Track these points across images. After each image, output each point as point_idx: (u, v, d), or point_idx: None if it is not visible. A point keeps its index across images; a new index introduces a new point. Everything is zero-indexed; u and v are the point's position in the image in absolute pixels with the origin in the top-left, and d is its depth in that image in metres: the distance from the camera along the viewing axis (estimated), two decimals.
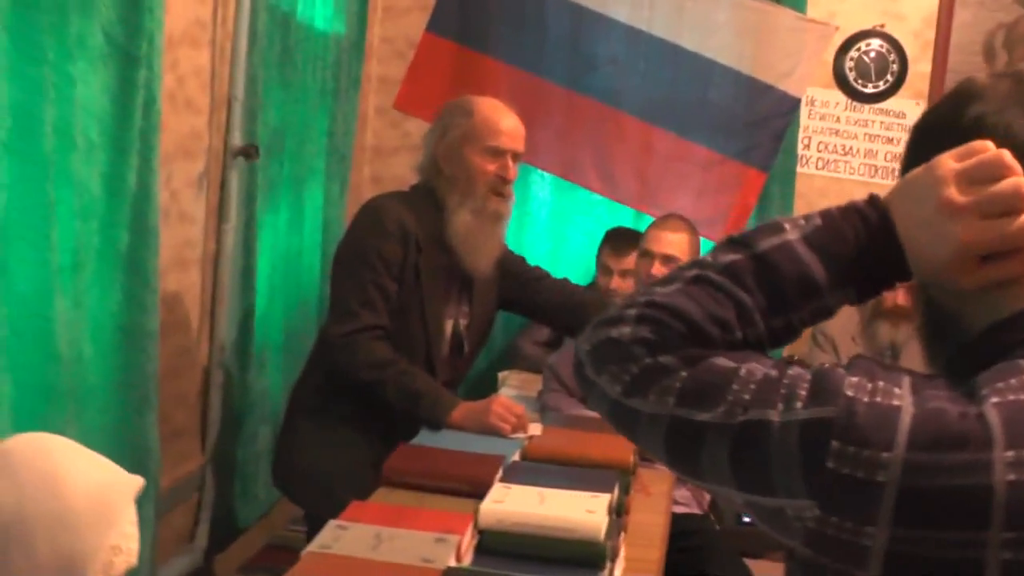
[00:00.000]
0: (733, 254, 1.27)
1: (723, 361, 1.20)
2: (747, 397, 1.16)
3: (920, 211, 1.23)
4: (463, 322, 3.62)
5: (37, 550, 1.42)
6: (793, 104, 5.03)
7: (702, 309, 1.24)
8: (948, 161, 1.23)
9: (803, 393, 1.14)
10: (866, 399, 1.11)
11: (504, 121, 3.49)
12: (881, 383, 1.13)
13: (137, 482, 1.55)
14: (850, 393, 1.12)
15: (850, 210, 1.27)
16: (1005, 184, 1.20)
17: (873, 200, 1.28)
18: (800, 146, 5.65)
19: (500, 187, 3.48)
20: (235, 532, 4.34)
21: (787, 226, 1.27)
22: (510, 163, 3.48)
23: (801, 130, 5.62)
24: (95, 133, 2.91)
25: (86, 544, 1.44)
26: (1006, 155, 1.21)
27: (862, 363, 1.18)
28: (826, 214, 1.27)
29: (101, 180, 2.97)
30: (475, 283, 3.62)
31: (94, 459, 1.54)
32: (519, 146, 3.51)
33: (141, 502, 3.14)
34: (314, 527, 3.52)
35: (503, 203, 3.52)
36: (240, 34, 3.86)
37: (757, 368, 1.19)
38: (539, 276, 3.85)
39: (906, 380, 1.14)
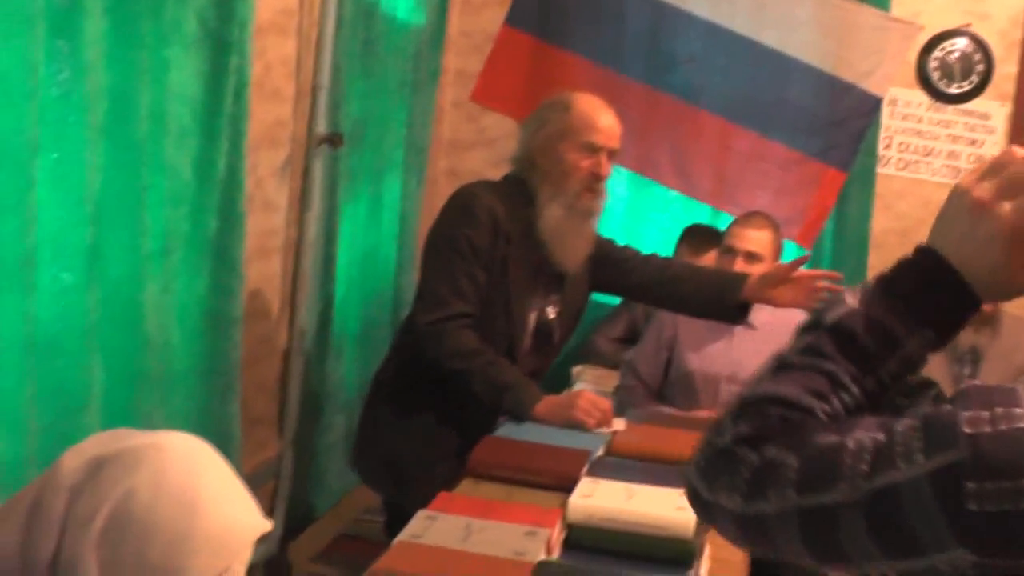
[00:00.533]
0: (807, 336, 1.28)
1: (828, 437, 1.18)
2: (864, 467, 1.13)
3: (958, 228, 1.25)
4: (552, 312, 3.58)
5: (148, 555, 1.41)
6: (874, 104, 4.97)
7: (795, 387, 1.23)
8: (965, 177, 1.25)
9: (919, 445, 1.10)
10: (988, 430, 1.08)
11: (602, 118, 3.46)
12: (999, 409, 1.09)
13: (265, 526, 1.54)
14: (968, 430, 1.08)
15: (900, 262, 1.30)
16: (1019, 162, 1.21)
17: (917, 247, 1.30)
18: (880, 146, 5.57)
19: (593, 184, 3.44)
20: (308, 520, 4.35)
21: (847, 296, 1.29)
22: (604, 160, 3.44)
23: (882, 130, 5.54)
24: (187, 118, 2.92)
25: (194, 569, 1.43)
26: (1014, 147, 1.23)
27: (973, 392, 1.14)
28: (879, 275, 1.31)
29: (191, 166, 2.98)
30: (566, 280, 3.59)
31: (237, 490, 1.52)
32: (615, 143, 3.47)
33: None
34: (393, 516, 3.55)
35: (595, 200, 3.48)
36: (326, 23, 3.86)
37: (863, 435, 1.16)
38: (630, 256, 3.80)
39: None
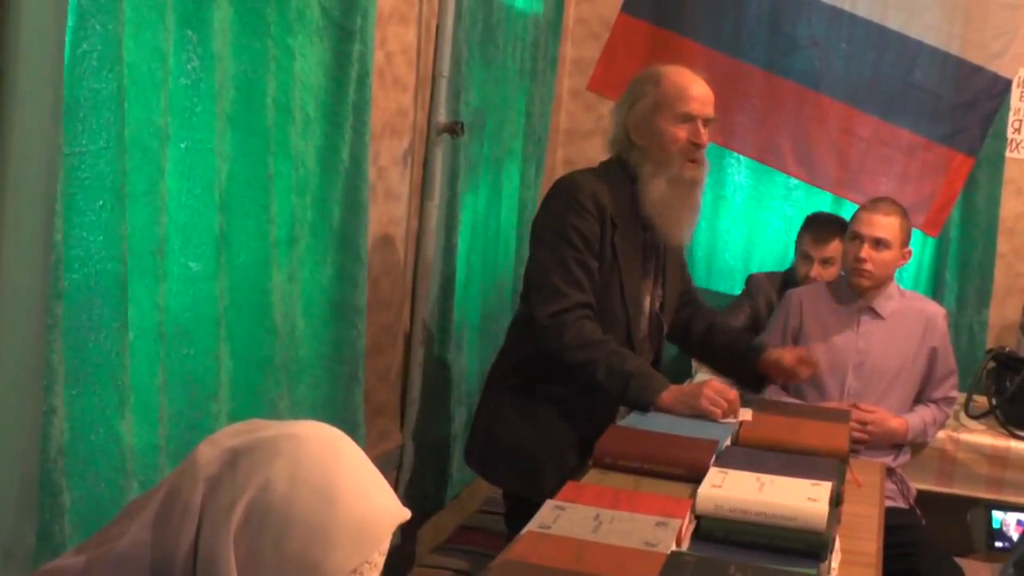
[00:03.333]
0: None
1: None
2: None
3: None
4: (658, 302, 3.57)
5: (287, 547, 1.40)
6: (1004, 86, 4.85)
7: None
8: None
9: None
10: None
11: (693, 87, 3.43)
12: None
13: (404, 515, 1.52)
14: None
15: None
16: None
17: None
18: (1010, 130, 5.44)
19: (693, 153, 3.42)
20: (429, 512, 4.36)
21: None
22: (701, 128, 3.42)
23: (1012, 113, 5.42)
24: (311, 107, 2.93)
25: (334, 561, 1.42)
26: None
27: None
28: None
29: (316, 154, 2.99)
30: (667, 261, 3.57)
31: (375, 479, 1.51)
32: (709, 111, 3.44)
33: None
34: (514, 507, 3.54)
35: (698, 169, 3.46)
36: (446, 11, 3.85)
37: None
38: (691, 290, 3.89)
39: None
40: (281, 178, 2.81)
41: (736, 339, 3.80)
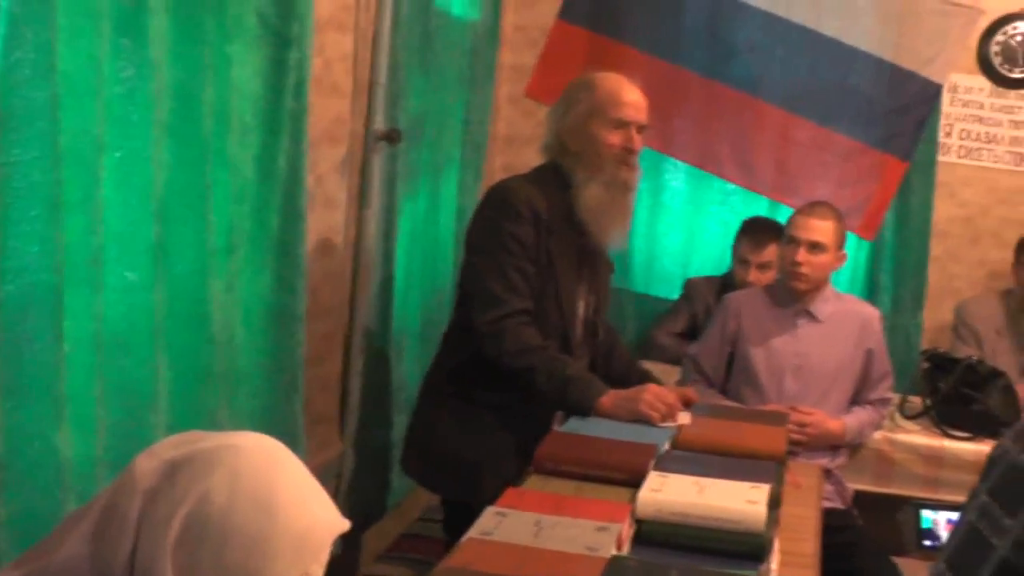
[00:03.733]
0: None
1: None
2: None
3: None
4: (591, 307, 3.59)
5: (227, 558, 1.40)
6: (936, 91, 4.93)
7: None
8: None
9: (1000, 512, 1.07)
10: None
11: (627, 93, 3.47)
12: None
13: (343, 525, 1.52)
14: None
15: None
16: None
17: None
18: (941, 134, 5.53)
19: (627, 158, 3.46)
20: (370, 521, 4.34)
21: None
22: (635, 134, 3.45)
23: (942, 117, 5.51)
24: (249, 115, 2.92)
25: (273, 572, 1.42)
26: None
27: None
28: None
29: (254, 162, 2.98)
30: (598, 266, 3.60)
31: (315, 489, 1.50)
32: (643, 117, 3.48)
33: None
34: (453, 514, 3.54)
35: (631, 173, 3.50)
36: (383, 19, 3.85)
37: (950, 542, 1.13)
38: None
39: None
40: (219, 187, 2.79)
41: (629, 374, 3.76)
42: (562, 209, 3.43)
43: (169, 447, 1.48)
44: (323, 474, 3.90)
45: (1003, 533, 1.07)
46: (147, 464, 1.45)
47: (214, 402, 2.83)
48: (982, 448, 4.22)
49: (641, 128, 3.47)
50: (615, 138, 3.42)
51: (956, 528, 1.15)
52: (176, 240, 2.66)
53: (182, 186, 2.65)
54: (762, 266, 4.76)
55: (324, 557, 1.49)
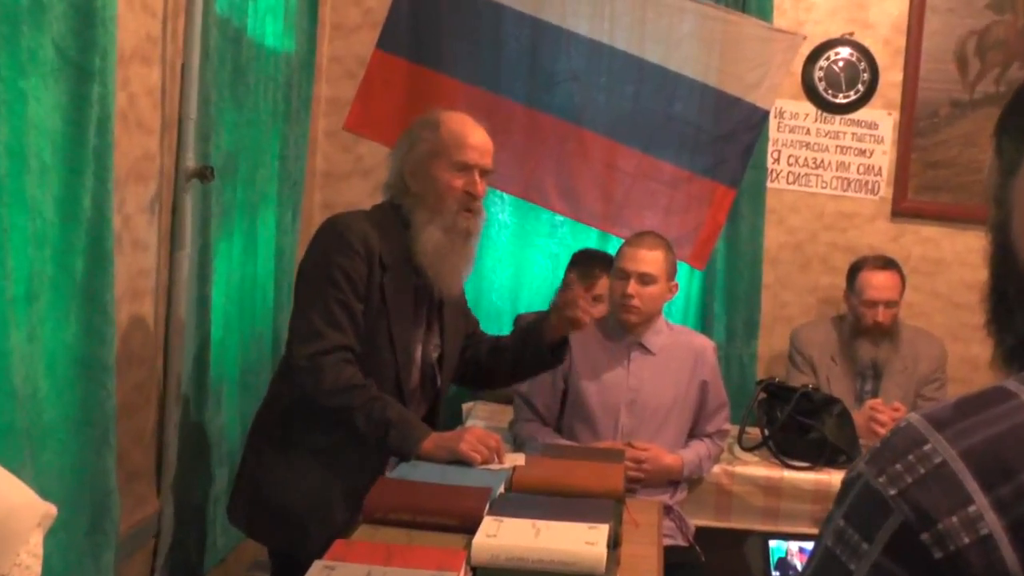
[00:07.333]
0: None
1: None
2: None
3: None
4: (435, 353, 3.56)
5: None
6: (761, 117, 5.03)
7: None
8: None
9: (856, 536, 1.09)
10: (910, 479, 1.07)
11: (472, 135, 3.46)
12: (910, 456, 1.09)
13: (45, 509, 1.48)
14: (893, 491, 1.07)
15: None
16: None
17: None
18: (770, 160, 5.65)
19: (469, 203, 3.44)
20: None
21: None
22: (478, 179, 3.44)
23: (770, 143, 5.63)
24: (48, 153, 2.83)
25: None
26: None
27: (876, 454, 1.13)
28: None
29: (55, 203, 2.88)
30: (445, 311, 3.56)
31: (7, 479, 1.47)
32: (487, 161, 3.48)
33: (101, 550, 3.08)
34: (281, 566, 3.49)
35: (473, 220, 3.48)
36: (192, 51, 3.78)
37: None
38: (479, 337, 3.84)
39: (925, 430, 1.10)
40: (17, 231, 2.70)
41: (522, 331, 3.79)
42: (400, 249, 3.41)
43: None
44: (140, 533, 3.81)
45: (860, 557, 1.08)
46: None
47: (17, 460, 2.72)
48: (820, 477, 4.31)
49: (485, 172, 3.47)
50: (457, 181, 3.41)
51: (812, 555, 1.16)
52: None
53: None
54: (593, 299, 4.78)
55: (30, 547, 1.45)
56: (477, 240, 3.55)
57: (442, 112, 3.56)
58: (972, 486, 1.04)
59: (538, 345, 3.61)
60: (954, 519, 1.04)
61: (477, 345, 3.78)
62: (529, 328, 3.70)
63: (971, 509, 1.04)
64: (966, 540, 1.03)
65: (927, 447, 1.08)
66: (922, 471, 1.07)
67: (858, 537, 1.08)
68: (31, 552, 1.44)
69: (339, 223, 3.42)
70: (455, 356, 3.67)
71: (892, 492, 1.07)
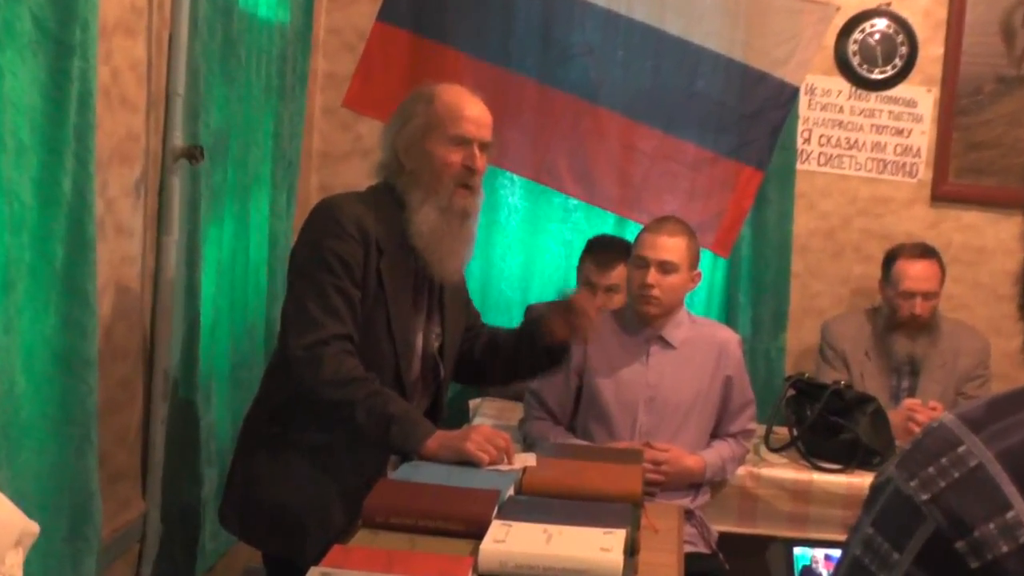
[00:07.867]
0: None
1: None
2: None
3: None
4: (436, 343, 3.56)
5: None
6: (791, 94, 5.02)
7: None
8: None
9: (887, 545, 1.09)
10: (944, 484, 1.06)
11: (469, 108, 3.46)
12: (943, 459, 1.08)
13: (24, 526, 1.49)
14: (925, 496, 1.07)
15: None
16: None
17: None
18: (799, 140, 5.64)
19: (467, 179, 3.44)
20: None
21: None
22: (477, 152, 3.44)
23: (800, 122, 5.62)
24: (26, 132, 2.83)
25: None
26: None
27: (906, 457, 1.12)
28: None
29: (33, 186, 2.88)
30: (445, 296, 3.56)
31: None
32: (486, 134, 3.48)
33: (82, 556, 3.09)
34: (276, 572, 3.49)
35: (471, 197, 3.48)
36: (179, 22, 3.78)
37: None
38: (479, 329, 3.85)
39: (959, 431, 1.09)
40: None
41: (519, 328, 3.80)
42: (397, 231, 3.41)
43: None
44: (124, 538, 3.82)
45: (890, 568, 1.07)
46: None
47: None
48: (853, 480, 4.30)
49: (484, 146, 3.46)
50: (454, 156, 3.41)
51: (839, 564, 1.15)
52: None
53: None
54: (609, 289, 4.78)
55: (12, 567, 1.46)
56: (476, 221, 3.55)
57: (436, 84, 3.56)
58: (1010, 490, 1.04)
59: (535, 346, 3.63)
60: (991, 526, 1.03)
61: (474, 339, 3.78)
62: (529, 326, 3.70)
63: (1009, 515, 1.03)
64: (1004, 548, 1.03)
65: (961, 449, 1.07)
66: (956, 475, 1.06)
67: (888, 546, 1.08)
68: (6, 574, 1.45)
69: (332, 205, 3.42)
70: (456, 347, 3.68)
71: (924, 497, 1.06)
